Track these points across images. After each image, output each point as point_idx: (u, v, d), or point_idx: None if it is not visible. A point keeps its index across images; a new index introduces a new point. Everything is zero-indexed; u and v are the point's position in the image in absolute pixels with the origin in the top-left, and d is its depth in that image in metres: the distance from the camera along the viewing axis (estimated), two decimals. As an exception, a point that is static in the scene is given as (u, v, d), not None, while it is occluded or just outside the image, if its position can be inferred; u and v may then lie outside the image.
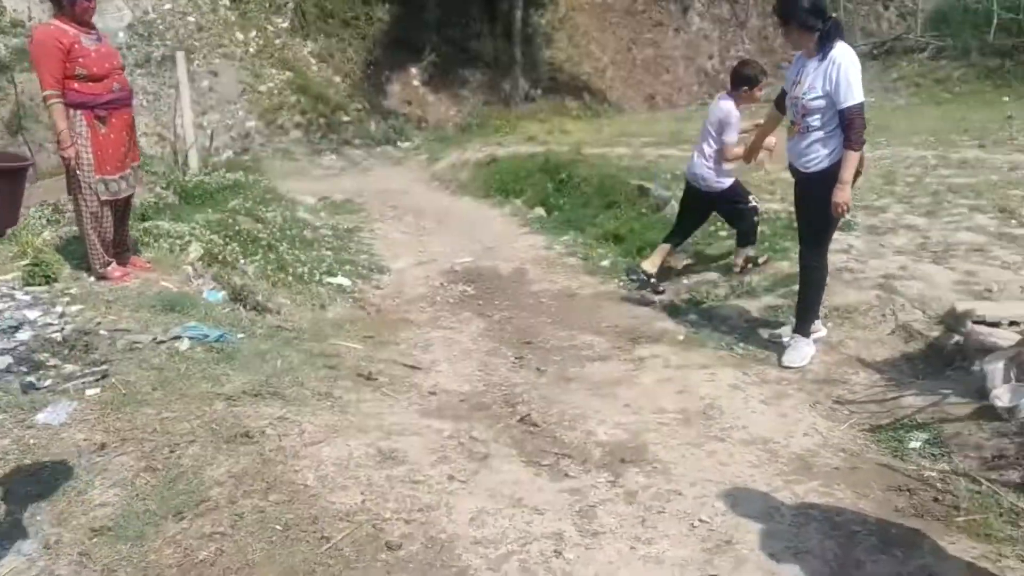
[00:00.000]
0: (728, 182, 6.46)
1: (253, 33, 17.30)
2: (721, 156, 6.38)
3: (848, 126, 4.66)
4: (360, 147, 16.59)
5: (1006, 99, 14.81)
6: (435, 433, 4.10)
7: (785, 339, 5.31)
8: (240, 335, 5.05)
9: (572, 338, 5.75)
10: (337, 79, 17.98)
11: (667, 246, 6.86)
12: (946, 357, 4.90)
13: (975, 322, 4.93)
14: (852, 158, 4.71)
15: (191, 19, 16.46)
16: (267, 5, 17.76)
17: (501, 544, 3.19)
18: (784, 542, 3.18)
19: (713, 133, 6.37)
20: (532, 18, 20.10)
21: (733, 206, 6.60)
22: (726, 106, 6.31)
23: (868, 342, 5.28)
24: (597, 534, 3.28)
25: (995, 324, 4.88)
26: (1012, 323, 4.88)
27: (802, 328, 5.17)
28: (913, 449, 3.95)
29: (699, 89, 22.98)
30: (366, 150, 16.45)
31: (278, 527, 3.17)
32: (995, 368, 4.20)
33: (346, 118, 17.20)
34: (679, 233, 6.89)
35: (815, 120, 4.77)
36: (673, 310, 6.29)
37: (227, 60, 16.32)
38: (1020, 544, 3.12)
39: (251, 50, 16.92)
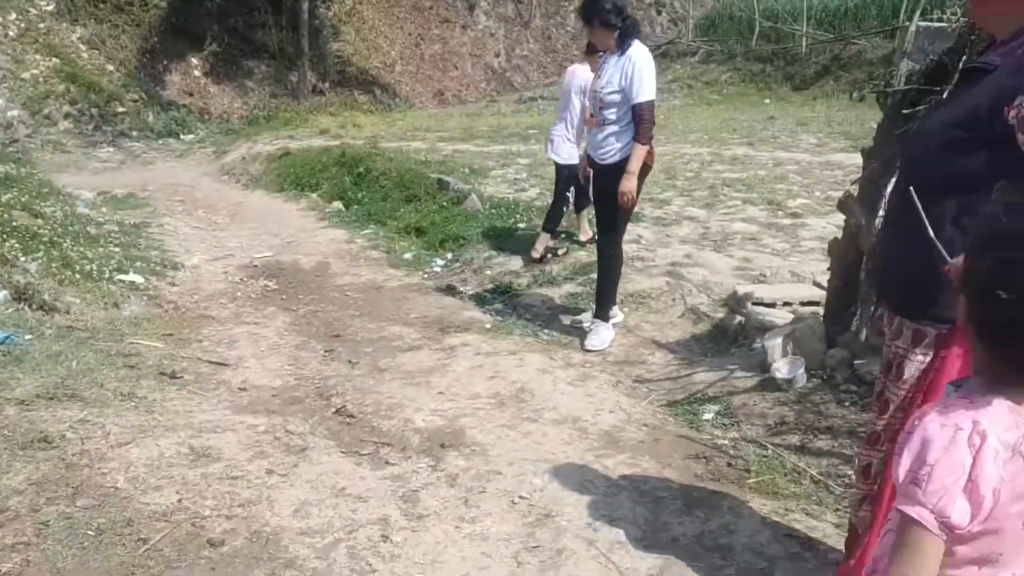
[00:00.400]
0: (575, 160, 6.64)
1: (13, 16, 16.02)
2: (583, 124, 6.61)
3: (638, 121, 4.95)
4: (139, 139, 15.79)
5: (767, 101, 16.16)
6: (249, 429, 4.01)
7: (586, 324, 5.57)
8: (28, 336, 4.70)
9: (381, 330, 5.77)
10: (110, 68, 16.99)
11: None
12: (730, 336, 5.33)
13: (754, 304, 5.43)
14: (639, 151, 4.99)
15: (-62, -3, 15.06)
16: (29, -15, 16.51)
17: (327, 533, 3.20)
18: (599, 511, 3.38)
19: (575, 101, 6.65)
20: (318, 9, 19.75)
21: (564, 186, 6.87)
22: (585, 73, 6.57)
23: (661, 325, 5.65)
24: (422, 517, 3.34)
25: (771, 305, 5.41)
26: (785, 304, 5.43)
27: (601, 313, 5.44)
28: (707, 420, 4.29)
29: (487, 86, 23.46)
30: (146, 142, 15.68)
31: (89, 532, 3.02)
32: (774, 344, 4.63)
33: (122, 109, 16.31)
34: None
35: (611, 114, 5.03)
36: (479, 299, 6.44)
37: (-17, 43, 15.06)
38: (803, 499, 3.47)
39: (11, 33, 15.68)
